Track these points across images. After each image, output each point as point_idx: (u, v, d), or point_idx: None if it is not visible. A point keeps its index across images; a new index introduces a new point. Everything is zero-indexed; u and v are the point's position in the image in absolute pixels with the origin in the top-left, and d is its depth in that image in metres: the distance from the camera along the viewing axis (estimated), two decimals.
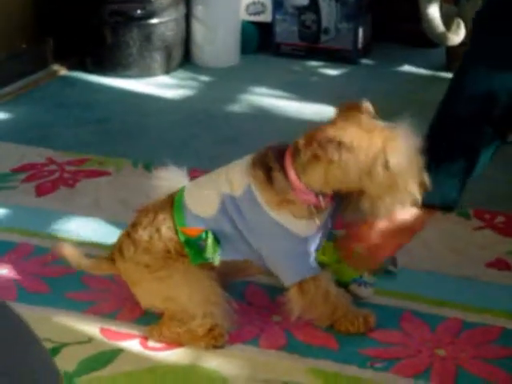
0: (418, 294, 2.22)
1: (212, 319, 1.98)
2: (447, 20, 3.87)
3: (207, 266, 2.00)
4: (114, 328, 2.07)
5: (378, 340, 2.04)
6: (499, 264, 2.39)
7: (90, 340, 2.03)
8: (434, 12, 3.80)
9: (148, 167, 2.98)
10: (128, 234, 2.05)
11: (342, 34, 4.21)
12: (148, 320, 2.08)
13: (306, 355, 1.99)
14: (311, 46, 4.27)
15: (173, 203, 2.02)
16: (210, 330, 1.99)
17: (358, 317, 2.06)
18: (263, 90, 3.87)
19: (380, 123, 1.88)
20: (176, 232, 1.99)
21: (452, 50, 4.06)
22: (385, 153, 1.82)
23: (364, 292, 2.18)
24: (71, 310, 2.13)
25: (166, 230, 2.00)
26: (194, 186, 2.06)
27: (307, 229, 1.94)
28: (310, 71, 4.16)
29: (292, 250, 1.96)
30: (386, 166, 1.82)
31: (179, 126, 3.47)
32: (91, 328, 2.07)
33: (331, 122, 1.88)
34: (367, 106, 1.90)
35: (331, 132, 1.82)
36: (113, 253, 2.08)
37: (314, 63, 4.24)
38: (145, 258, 2.01)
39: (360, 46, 4.23)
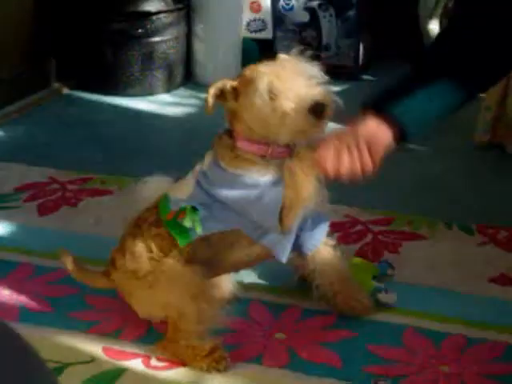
0: (421, 311, 2.21)
1: (203, 321, 1.98)
2: None
3: (192, 258, 2.00)
4: (116, 347, 2.07)
5: (381, 357, 2.03)
6: (503, 279, 2.38)
7: (92, 359, 2.02)
8: (434, 28, 3.81)
9: None
10: (119, 247, 2.08)
11: (342, 50, 4.22)
12: (151, 339, 2.08)
13: (310, 373, 1.98)
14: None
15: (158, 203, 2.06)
16: (211, 351, 1.98)
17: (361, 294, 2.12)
18: None
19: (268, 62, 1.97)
20: (158, 225, 2.00)
21: None
22: (264, 82, 1.87)
23: (391, 297, 2.22)
24: (74, 330, 2.13)
25: (147, 226, 2.02)
26: (178, 181, 2.11)
27: (261, 175, 1.94)
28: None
29: (261, 197, 1.94)
30: (272, 94, 1.85)
31: (181, 143, 3.48)
32: (94, 347, 2.06)
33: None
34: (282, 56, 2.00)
35: (217, 85, 1.95)
36: (107, 266, 2.10)
37: None
38: (131, 265, 2.02)
39: (361, 62, 4.24)
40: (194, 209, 1.98)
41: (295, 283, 2.25)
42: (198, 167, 2.05)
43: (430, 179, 3.12)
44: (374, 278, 2.31)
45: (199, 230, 1.98)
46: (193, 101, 4.00)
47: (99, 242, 2.58)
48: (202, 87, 4.14)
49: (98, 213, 2.79)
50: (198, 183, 2.01)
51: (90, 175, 3.07)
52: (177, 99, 4.01)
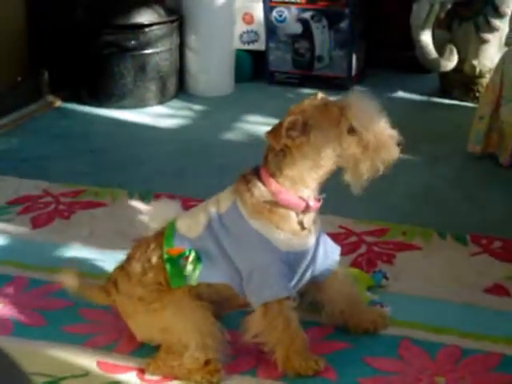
0: (416, 322, 2.21)
1: (206, 352, 1.96)
2: (440, 46, 3.90)
3: (198, 295, 1.99)
4: (111, 361, 2.06)
5: (377, 369, 2.02)
6: (497, 290, 2.38)
7: (87, 373, 2.01)
8: (426, 39, 3.82)
9: (144, 197, 2.97)
10: (122, 267, 2.06)
11: (335, 61, 4.23)
12: (145, 352, 2.07)
13: None
14: (305, 73, 4.29)
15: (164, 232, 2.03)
16: (205, 364, 1.97)
17: (311, 358, 2.00)
18: (258, 118, 3.88)
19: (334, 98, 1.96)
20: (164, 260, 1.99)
21: (445, 76, 4.08)
22: (346, 118, 1.89)
23: (386, 311, 2.21)
24: (68, 343, 2.12)
25: (157, 259, 2.00)
26: (186, 212, 2.08)
27: (289, 242, 1.93)
28: (305, 98, 4.16)
29: (269, 265, 1.92)
30: (352, 129, 1.89)
31: (175, 155, 3.47)
32: (88, 361, 2.05)
33: (288, 113, 1.95)
34: (320, 94, 1.98)
35: (291, 119, 1.89)
36: (107, 285, 2.08)
37: (308, 91, 4.24)
38: (138, 291, 2.01)
39: (354, 72, 4.25)
40: (199, 259, 1.95)
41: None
42: (212, 207, 1.97)
43: (424, 189, 3.12)
44: (369, 288, 2.31)
45: (193, 282, 1.96)
46: (186, 112, 4.00)
47: (92, 254, 2.57)
48: (195, 98, 4.15)
49: (92, 225, 2.78)
50: (209, 227, 1.95)
51: (83, 187, 3.06)
52: (170, 111, 4.01)
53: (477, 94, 3.93)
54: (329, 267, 2.09)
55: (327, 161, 1.92)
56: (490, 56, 3.89)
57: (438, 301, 2.32)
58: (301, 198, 1.94)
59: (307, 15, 4.19)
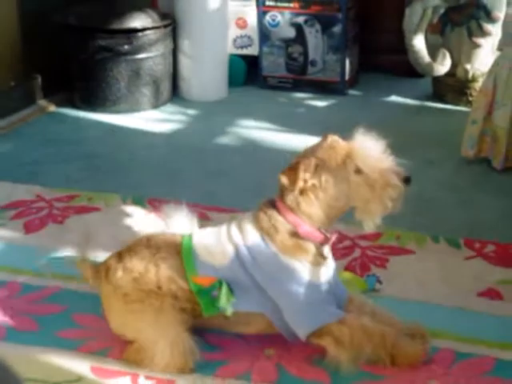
0: None
1: (171, 368, 2.00)
2: (433, 51, 3.91)
3: (182, 309, 2.02)
4: (104, 366, 2.05)
5: (370, 372, 2.02)
6: (491, 294, 2.38)
7: (80, 379, 2.01)
8: (419, 43, 3.83)
9: (137, 202, 2.97)
10: (120, 258, 2.07)
11: (329, 65, 4.23)
12: None
13: None
14: (298, 77, 4.29)
15: (179, 246, 2.05)
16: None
17: (411, 344, 2.03)
18: (251, 122, 3.88)
19: (341, 140, 2.03)
20: (180, 275, 2.01)
21: (438, 80, 4.09)
22: (352, 159, 1.97)
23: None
24: (61, 349, 2.11)
25: (166, 268, 2.02)
26: (203, 235, 2.09)
27: (321, 275, 2.01)
28: (298, 103, 4.18)
29: (311, 297, 1.99)
30: (358, 170, 1.97)
31: (168, 160, 3.47)
32: (82, 366, 2.05)
33: (299, 155, 2.02)
34: (331, 136, 2.04)
35: (305, 162, 1.97)
36: (100, 268, 2.10)
37: (301, 95, 4.26)
38: (128, 287, 2.02)
39: (347, 77, 4.25)
40: (231, 290, 1.98)
41: None
42: (238, 238, 2.02)
43: (417, 193, 3.12)
44: (363, 292, 2.31)
45: (229, 312, 1.99)
46: (180, 117, 4.00)
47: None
48: (189, 103, 4.15)
49: (85, 230, 2.77)
50: (238, 258, 2.00)
51: (77, 192, 3.06)
52: (163, 115, 4.01)
53: (470, 99, 3.94)
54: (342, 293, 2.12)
55: (338, 201, 2.00)
56: (482, 60, 3.90)
57: (431, 305, 2.32)
58: (318, 230, 2.02)
59: (300, 20, 4.20)
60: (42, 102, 4.03)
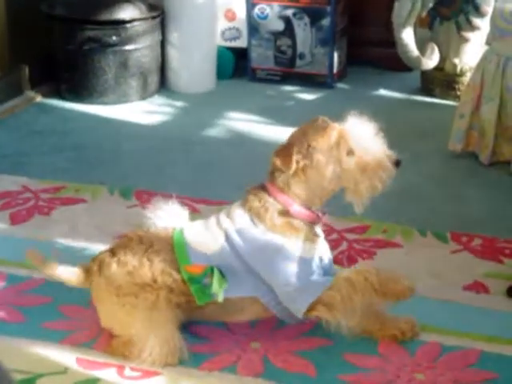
0: None
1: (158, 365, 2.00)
2: (421, 44, 3.91)
3: (177, 304, 2.02)
4: (90, 357, 2.05)
5: (356, 365, 2.03)
6: (477, 287, 2.39)
7: (65, 370, 2.00)
8: (408, 37, 3.82)
9: (124, 194, 2.96)
10: (113, 253, 2.06)
11: (317, 58, 4.23)
12: None
13: (285, 382, 1.97)
14: (287, 70, 4.28)
15: (170, 239, 2.05)
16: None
17: (397, 281, 2.06)
18: (239, 114, 3.88)
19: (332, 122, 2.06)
20: (174, 267, 2.01)
21: (427, 74, 4.09)
22: (344, 141, 2.00)
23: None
24: (47, 340, 2.11)
25: (159, 262, 2.02)
26: (194, 226, 2.10)
27: (310, 250, 2.02)
28: (286, 96, 4.17)
29: (300, 271, 1.99)
30: (350, 151, 2.01)
31: (156, 151, 3.46)
32: (67, 358, 2.04)
33: (291, 136, 2.06)
34: (320, 118, 2.08)
35: (297, 143, 2.00)
36: (91, 264, 2.08)
37: (289, 88, 4.25)
38: (121, 280, 2.02)
39: (335, 70, 4.25)
40: (223, 275, 1.98)
41: None
42: (227, 223, 2.03)
43: (405, 187, 3.12)
44: None
45: (220, 297, 1.99)
46: (167, 108, 3.99)
47: (73, 250, 2.55)
48: (177, 95, 4.13)
49: (72, 221, 2.76)
50: (228, 243, 2.01)
51: (63, 184, 3.04)
52: (151, 107, 4.00)
53: (458, 93, 3.95)
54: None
55: (329, 182, 2.03)
56: (470, 55, 3.90)
57: (417, 298, 2.31)
58: (310, 210, 2.04)
59: (289, 12, 4.19)
60: (29, 93, 4.00)
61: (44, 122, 3.77)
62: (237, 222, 2.02)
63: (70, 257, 2.49)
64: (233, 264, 2.01)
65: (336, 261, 2.49)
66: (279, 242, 1.99)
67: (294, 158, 1.97)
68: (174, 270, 2.02)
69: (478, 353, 2.08)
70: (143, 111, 3.93)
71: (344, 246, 2.61)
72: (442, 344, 2.11)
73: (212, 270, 1.98)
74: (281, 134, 3.59)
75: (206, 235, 2.04)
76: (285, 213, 2.01)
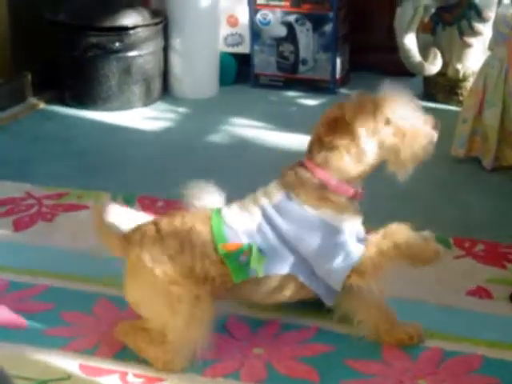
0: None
1: (178, 356, 1.98)
2: (424, 50, 3.91)
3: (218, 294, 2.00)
4: (93, 364, 2.05)
5: (359, 371, 2.03)
6: (480, 292, 2.39)
7: (68, 377, 2.00)
8: (410, 42, 3.83)
9: (128, 200, 2.96)
10: (157, 228, 2.01)
11: (319, 64, 4.23)
12: (127, 355, 2.05)
13: None
14: (289, 76, 4.29)
15: (208, 220, 2.02)
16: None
17: (406, 326, 2.09)
18: (242, 120, 3.88)
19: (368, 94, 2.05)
20: (212, 247, 1.98)
21: (429, 80, 4.09)
22: (381, 111, 1.99)
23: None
24: (50, 347, 2.10)
25: (199, 245, 1.98)
26: (231, 206, 2.08)
27: (348, 222, 2.02)
28: (289, 101, 4.17)
29: (336, 244, 2.00)
30: (388, 121, 2.00)
31: (159, 157, 3.47)
32: (70, 364, 2.04)
33: (330, 112, 2.04)
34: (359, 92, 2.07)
35: (338, 116, 1.99)
36: (133, 234, 2.02)
37: (292, 93, 4.25)
38: (166, 264, 1.97)
39: (338, 75, 4.25)
40: (261, 251, 1.98)
41: None
42: (263, 200, 2.02)
43: (407, 191, 3.11)
44: None
45: (260, 273, 1.98)
46: (170, 114, 3.99)
47: (76, 257, 2.56)
48: (180, 101, 4.14)
49: (75, 228, 2.76)
50: (265, 218, 2.00)
51: (67, 190, 3.05)
52: (154, 113, 4.00)
53: (460, 98, 3.95)
54: None
55: (369, 154, 2.02)
56: (473, 60, 3.90)
57: (421, 303, 2.32)
58: (349, 185, 2.04)
59: (291, 18, 4.20)
60: (32, 100, 4.01)
61: (47, 128, 3.78)
62: (273, 197, 2.02)
63: (72, 263, 2.51)
64: (271, 241, 1.99)
65: None
66: (316, 215, 1.99)
67: (336, 133, 1.97)
68: (213, 250, 1.99)
69: (480, 358, 2.07)
70: (146, 117, 3.94)
71: None
72: (444, 349, 2.11)
73: (250, 246, 1.97)
74: (284, 139, 3.62)
75: (243, 213, 2.03)
76: (322, 187, 2.00)
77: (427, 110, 4.26)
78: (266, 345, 2.12)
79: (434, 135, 2.05)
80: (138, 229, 2.04)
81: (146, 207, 2.88)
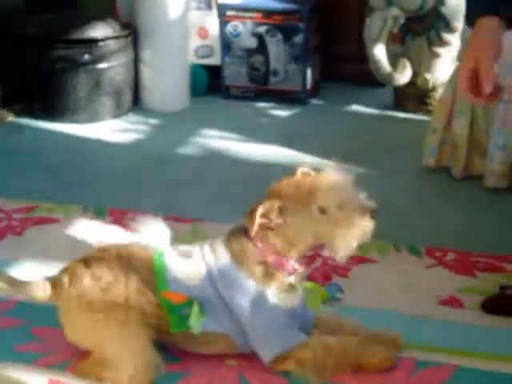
0: None
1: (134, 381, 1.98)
2: (393, 60, 3.93)
3: (147, 323, 2.00)
4: (63, 379, 2.02)
5: (333, 381, 2.01)
6: (452, 302, 2.40)
7: None
8: (380, 52, 3.85)
9: (99, 213, 2.94)
10: (87, 264, 2.03)
11: (290, 75, 4.24)
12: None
13: None
14: (260, 87, 4.29)
15: (150, 259, 2.03)
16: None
17: (375, 353, 2.04)
18: (214, 132, 3.87)
19: (309, 175, 2.04)
20: (150, 288, 2.00)
21: (399, 90, 4.12)
22: (316, 199, 1.97)
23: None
24: (19, 363, 2.07)
25: (136, 280, 2.00)
26: (176, 252, 2.08)
27: (289, 301, 2.02)
28: (260, 113, 4.18)
29: (276, 322, 2.00)
30: (322, 210, 1.98)
31: (130, 170, 3.45)
32: (40, 380, 2.02)
33: (267, 193, 2.02)
34: (300, 170, 2.05)
35: (266, 205, 1.98)
36: (60, 275, 2.05)
37: (263, 105, 4.26)
38: (94, 295, 1.99)
39: (309, 86, 4.26)
40: (202, 310, 1.98)
41: None
42: (209, 258, 2.02)
43: (379, 202, 3.12)
44: (324, 301, 2.30)
45: (196, 331, 1.99)
46: (141, 127, 3.97)
47: (45, 271, 2.53)
48: (151, 113, 4.12)
49: (45, 241, 2.74)
50: (210, 279, 2.01)
51: (36, 203, 3.02)
52: (125, 125, 3.98)
53: (430, 108, 3.98)
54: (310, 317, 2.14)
55: (304, 239, 2.02)
56: (442, 70, 3.93)
57: (393, 313, 2.33)
58: (287, 261, 2.03)
59: (262, 30, 4.20)
60: (1, 113, 3.97)
61: (16, 141, 3.74)
62: (219, 260, 2.02)
63: (43, 276, 2.48)
64: (212, 299, 2.00)
65: (311, 278, 2.49)
66: (257, 289, 2.00)
67: (258, 219, 1.96)
68: (151, 291, 2.00)
69: (453, 368, 2.08)
70: (117, 130, 3.92)
71: (318, 262, 2.61)
72: (416, 359, 2.11)
73: (191, 302, 1.98)
74: (256, 151, 3.62)
75: (188, 265, 2.03)
76: (263, 262, 2.01)
77: (398, 119, 4.31)
78: (238, 356, 2.11)
79: (370, 226, 2.00)
80: (67, 269, 2.07)
81: (117, 220, 2.86)
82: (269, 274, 2.01)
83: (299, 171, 2.05)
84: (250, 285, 2.00)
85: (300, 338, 2.02)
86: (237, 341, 2.04)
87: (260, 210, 1.97)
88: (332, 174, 2.01)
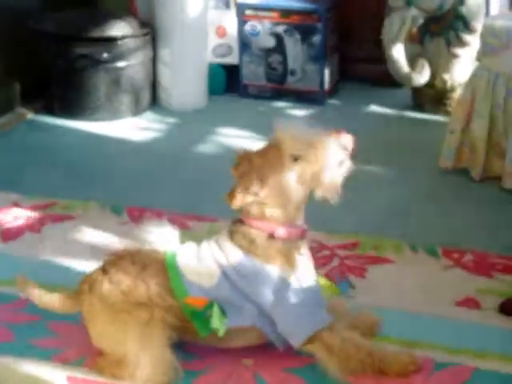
0: (388, 335, 2.21)
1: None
2: (412, 60, 3.92)
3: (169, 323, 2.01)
4: (80, 375, 2.03)
5: (348, 381, 2.01)
6: (469, 303, 2.39)
7: None
8: (398, 53, 3.84)
9: (116, 210, 2.95)
10: (105, 272, 2.05)
11: (308, 75, 4.24)
12: None
13: None
14: (278, 87, 4.29)
15: (162, 262, 2.04)
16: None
17: (400, 356, 2.04)
18: (231, 131, 3.88)
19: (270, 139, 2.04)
20: (168, 293, 2.00)
21: (417, 90, 4.11)
22: (285, 152, 1.96)
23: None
24: (36, 358, 2.09)
25: (155, 284, 2.01)
26: (186, 253, 2.07)
27: (307, 278, 2.02)
28: (277, 112, 4.17)
29: (302, 305, 2.00)
30: (295, 157, 1.96)
31: (148, 168, 3.46)
32: (57, 376, 2.03)
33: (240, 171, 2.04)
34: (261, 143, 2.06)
35: (244, 183, 1.98)
36: (81, 285, 2.07)
37: (281, 104, 4.26)
38: (115, 298, 2.00)
39: (326, 86, 4.26)
40: (223, 311, 1.98)
41: None
42: (221, 258, 2.02)
43: (396, 203, 3.13)
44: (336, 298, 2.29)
45: (221, 332, 1.98)
46: (159, 125, 3.99)
47: (63, 268, 2.54)
48: (168, 112, 4.14)
49: (62, 238, 2.75)
50: (225, 278, 2.00)
51: (54, 200, 3.03)
52: (143, 124, 3.99)
53: (448, 108, 3.96)
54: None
55: (295, 193, 2.00)
56: (461, 71, 3.92)
57: (409, 314, 2.32)
58: (294, 227, 2.03)
59: (280, 29, 4.21)
60: (21, 110, 4.00)
61: (35, 138, 3.76)
62: (231, 257, 2.02)
63: (59, 274, 2.49)
64: (231, 296, 2.00)
65: (328, 277, 2.49)
66: (276, 273, 2.00)
67: (239, 198, 1.97)
68: (169, 295, 2.01)
69: (470, 369, 2.07)
70: (135, 128, 3.93)
71: (335, 262, 2.61)
72: (434, 360, 2.10)
73: (212, 305, 1.98)
74: None
75: (200, 267, 2.03)
76: (272, 239, 2.00)
77: (415, 120, 4.30)
78: (254, 356, 2.11)
79: (344, 156, 2.00)
80: (87, 279, 2.08)
81: (134, 218, 2.87)
82: (282, 252, 2.00)
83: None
84: (271, 271, 1.99)
85: (327, 320, 2.01)
86: (265, 330, 2.04)
87: (239, 187, 1.97)
88: (290, 126, 2.01)
